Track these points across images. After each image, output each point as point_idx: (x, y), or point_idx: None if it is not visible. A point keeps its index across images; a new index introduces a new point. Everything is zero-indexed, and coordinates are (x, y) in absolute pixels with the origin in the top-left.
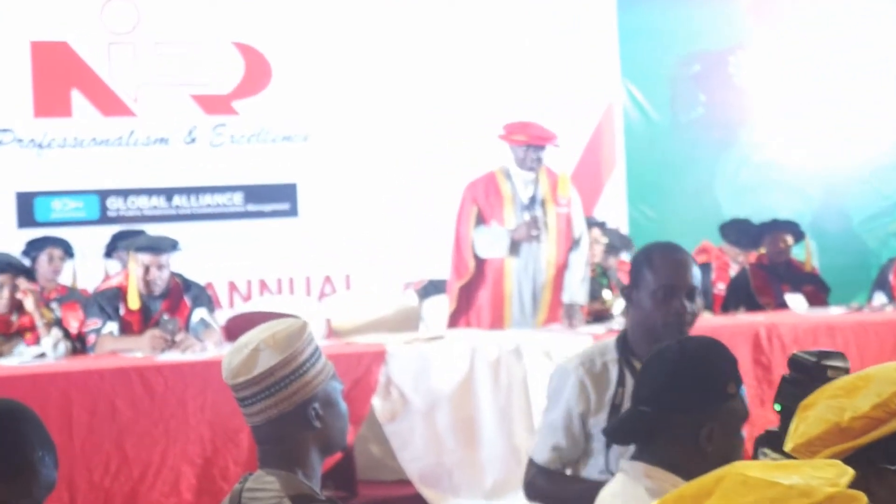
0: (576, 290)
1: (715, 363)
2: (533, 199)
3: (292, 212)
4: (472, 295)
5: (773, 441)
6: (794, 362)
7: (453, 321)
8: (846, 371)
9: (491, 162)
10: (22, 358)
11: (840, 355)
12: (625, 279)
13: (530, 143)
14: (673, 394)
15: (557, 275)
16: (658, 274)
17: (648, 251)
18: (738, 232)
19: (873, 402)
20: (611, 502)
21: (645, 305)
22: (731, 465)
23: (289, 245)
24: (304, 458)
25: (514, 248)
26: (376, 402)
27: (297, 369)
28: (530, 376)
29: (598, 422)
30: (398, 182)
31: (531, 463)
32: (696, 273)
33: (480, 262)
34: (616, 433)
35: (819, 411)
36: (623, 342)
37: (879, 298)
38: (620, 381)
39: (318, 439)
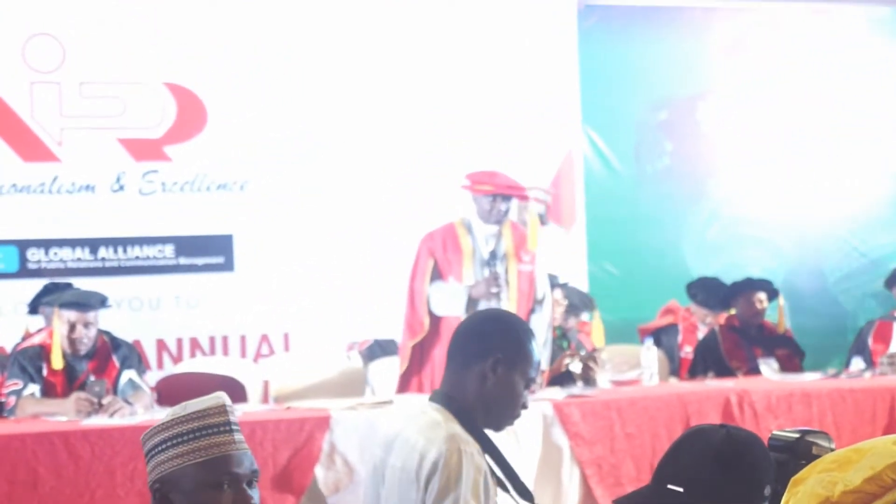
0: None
1: (760, 461)
2: (494, 255)
3: (227, 266)
4: (425, 354)
5: None
6: (775, 441)
7: (404, 382)
8: (831, 450)
9: (444, 214)
10: None
11: (824, 435)
12: (586, 341)
13: (498, 192)
14: (713, 482)
15: None
16: (531, 358)
17: (524, 328)
18: (707, 291)
19: (866, 476)
20: None
21: (513, 384)
22: None
23: (223, 301)
24: None
25: (472, 305)
26: (319, 471)
27: (156, 445)
28: None
29: None
30: (342, 234)
31: None
32: None
33: (436, 320)
34: None
35: (810, 486)
36: (471, 421)
37: (857, 364)
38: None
39: None
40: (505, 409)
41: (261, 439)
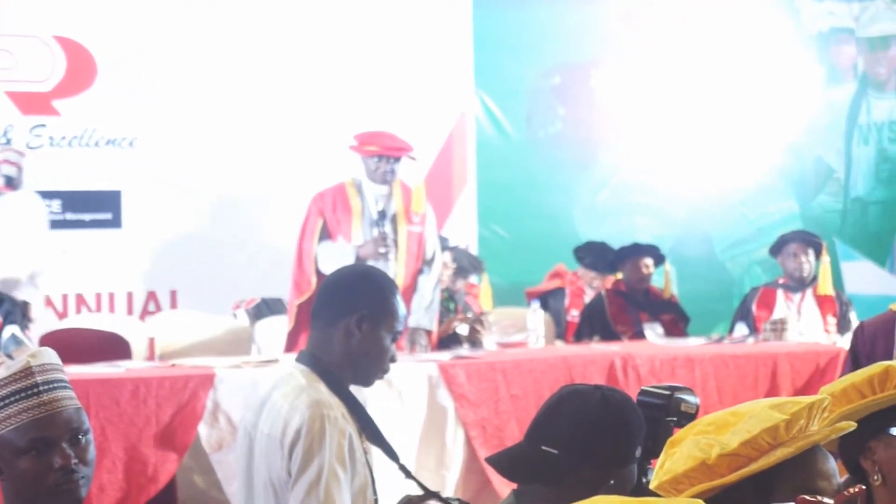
0: (422, 314)
1: (633, 423)
2: (383, 215)
3: (115, 222)
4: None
5: None
6: (644, 398)
7: (292, 340)
8: (697, 407)
9: (336, 174)
10: None
11: (691, 391)
12: (473, 304)
13: (383, 153)
14: (587, 444)
15: (405, 297)
16: (397, 312)
17: (387, 282)
18: (595, 254)
19: (743, 439)
20: None
21: (380, 339)
22: (593, 500)
23: (110, 258)
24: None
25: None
26: (202, 429)
27: None
28: (369, 404)
29: None
30: (231, 193)
31: None
32: None
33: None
34: (514, 471)
35: (687, 447)
36: (337, 381)
37: (741, 329)
38: None
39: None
40: (373, 365)
41: (144, 396)
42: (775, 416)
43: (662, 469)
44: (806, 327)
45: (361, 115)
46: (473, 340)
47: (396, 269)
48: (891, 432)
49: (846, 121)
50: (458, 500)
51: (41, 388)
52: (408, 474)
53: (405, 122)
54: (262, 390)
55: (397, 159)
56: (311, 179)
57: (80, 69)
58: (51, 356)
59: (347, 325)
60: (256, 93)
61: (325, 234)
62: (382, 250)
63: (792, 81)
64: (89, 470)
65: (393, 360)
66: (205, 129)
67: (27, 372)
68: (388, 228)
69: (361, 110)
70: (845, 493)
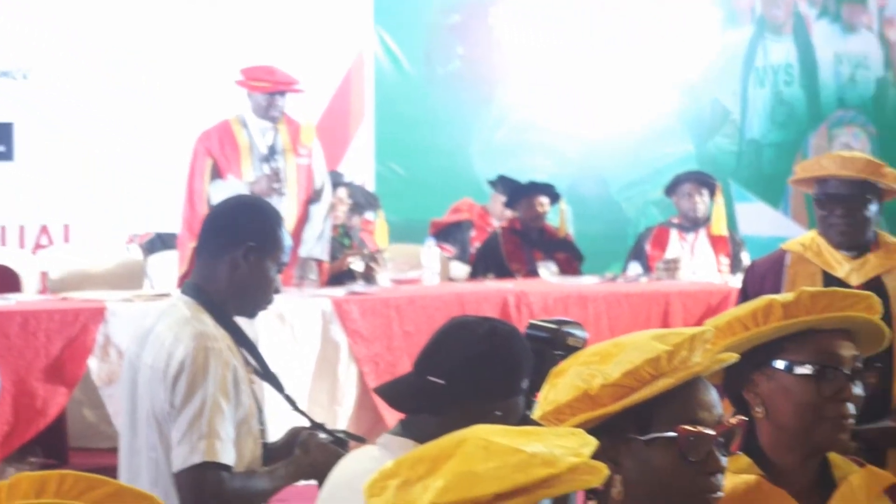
0: (313, 244)
1: (520, 355)
2: (272, 150)
3: (7, 155)
4: None
5: None
6: (532, 331)
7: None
8: (585, 341)
9: (227, 109)
10: None
11: (579, 325)
12: (369, 240)
13: (273, 90)
14: (474, 375)
15: (297, 229)
16: (282, 243)
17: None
18: (509, 188)
19: (625, 370)
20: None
21: (266, 271)
22: (474, 428)
23: (2, 191)
24: None
25: None
26: (92, 363)
27: None
28: (262, 339)
29: None
30: (125, 127)
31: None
32: None
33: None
34: (402, 401)
35: (569, 378)
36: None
37: (634, 269)
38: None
39: None
40: (258, 296)
41: (34, 329)
42: (657, 346)
43: (546, 399)
44: (699, 267)
45: (257, 52)
46: (368, 276)
47: (288, 202)
48: (773, 365)
49: (743, 63)
50: (343, 431)
51: None
52: (293, 405)
53: (303, 57)
54: (147, 322)
55: (284, 94)
56: (202, 114)
57: None
58: None
59: (234, 257)
60: (150, 26)
61: (216, 173)
62: (276, 185)
63: (689, 23)
64: None
65: (277, 291)
66: (97, 62)
67: None
68: (279, 164)
69: (257, 48)
70: (726, 423)
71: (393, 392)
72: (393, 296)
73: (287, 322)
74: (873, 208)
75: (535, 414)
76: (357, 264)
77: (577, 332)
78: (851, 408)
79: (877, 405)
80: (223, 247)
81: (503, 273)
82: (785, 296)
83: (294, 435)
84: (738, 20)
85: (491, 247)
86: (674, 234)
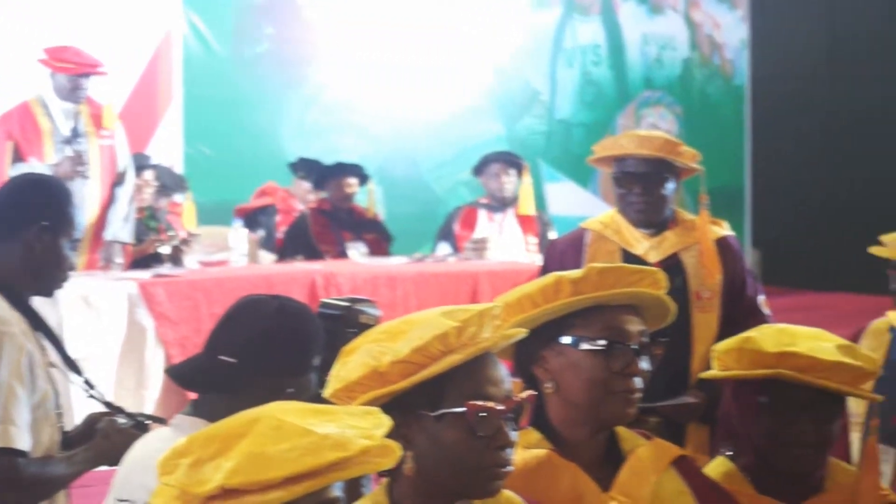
0: (119, 227)
1: (310, 332)
2: (75, 132)
3: None
4: None
5: None
6: (324, 309)
7: None
8: (377, 319)
9: (26, 89)
10: None
11: (371, 303)
12: (176, 223)
13: (77, 72)
14: (263, 352)
15: (102, 212)
16: (75, 221)
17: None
18: (310, 170)
19: (414, 346)
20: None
21: (60, 249)
22: (268, 407)
23: None
24: None
25: None
26: None
27: None
28: (67, 324)
29: None
30: None
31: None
32: None
33: None
34: (192, 380)
35: (360, 355)
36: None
37: (443, 249)
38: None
39: None
40: (55, 275)
41: None
42: (446, 322)
43: (337, 377)
44: (507, 246)
45: (63, 30)
46: (175, 258)
47: (92, 185)
48: (561, 341)
49: (552, 44)
50: (143, 414)
51: None
52: (89, 390)
53: (110, 37)
54: None
55: (88, 77)
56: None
57: None
58: None
59: (27, 237)
60: None
61: (18, 157)
62: (80, 168)
63: (499, 4)
64: None
65: (72, 268)
66: None
67: None
68: (82, 146)
69: (63, 25)
70: (514, 398)
71: (184, 372)
72: (200, 278)
73: (92, 306)
74: (670, 186)
75: (326, 392)
76: (164, 248)
77: (370, 309)
78: (639, 382)
79: (677, 382)
80: (15, 227)
81: (312, 255)
82: (573, 272)
83: (93, 420)
84: (547, 1)
85: (299, 228)
86: (482, 213)
